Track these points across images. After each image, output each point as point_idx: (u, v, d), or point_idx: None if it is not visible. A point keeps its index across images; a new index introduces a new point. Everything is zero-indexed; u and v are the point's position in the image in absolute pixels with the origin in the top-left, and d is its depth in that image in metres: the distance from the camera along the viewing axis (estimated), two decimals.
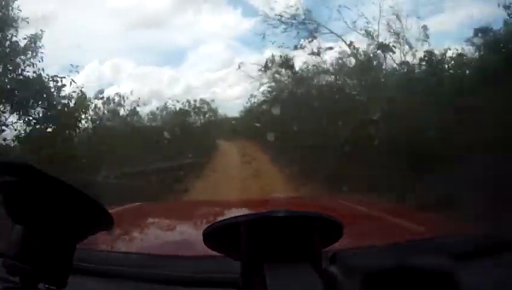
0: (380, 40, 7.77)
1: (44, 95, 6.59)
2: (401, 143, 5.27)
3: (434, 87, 6.22)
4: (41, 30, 6.86)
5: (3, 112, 6.33)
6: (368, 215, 1.48)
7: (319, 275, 0.52)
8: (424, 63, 7.10)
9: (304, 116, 8.14)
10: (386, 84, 7.40)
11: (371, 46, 7.88)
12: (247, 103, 12.11)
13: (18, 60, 6.53)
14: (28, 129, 6.52)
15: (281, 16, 8.87)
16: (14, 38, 6.58)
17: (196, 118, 12.02)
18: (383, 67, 7.72)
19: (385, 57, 7.63)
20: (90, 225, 0.57)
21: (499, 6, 6.20)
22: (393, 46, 7.58)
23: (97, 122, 8.34)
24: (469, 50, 7.02)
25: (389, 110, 6.25)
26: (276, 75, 9.64)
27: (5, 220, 0.54)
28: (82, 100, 7.23)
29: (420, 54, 7.31)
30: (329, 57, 8.88)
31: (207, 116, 12.39)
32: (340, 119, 6.83)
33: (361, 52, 8.11)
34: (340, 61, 8.69)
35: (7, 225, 0.54)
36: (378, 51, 7.68)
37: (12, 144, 6.40)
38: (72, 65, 7.14)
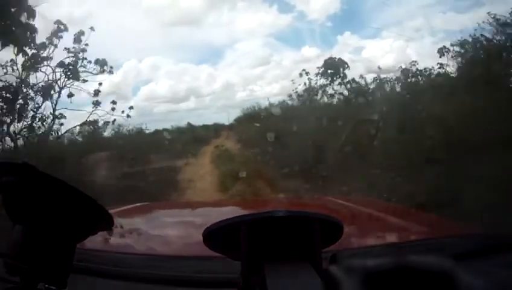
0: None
1: None
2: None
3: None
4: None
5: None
6: (368, 215, 1.48)
7: (319, 275, 0.52)
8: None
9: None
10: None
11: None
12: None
13: None
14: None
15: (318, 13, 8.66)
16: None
17: None
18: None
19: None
20: (90, 225, 0.57)
21: None
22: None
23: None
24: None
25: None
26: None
27: (5, 220, 0.54)
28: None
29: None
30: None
31: None
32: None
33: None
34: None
35: (7, 225, 0.54)
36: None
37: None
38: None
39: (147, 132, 9.30)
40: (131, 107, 7.35)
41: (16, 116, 5.79)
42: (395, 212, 1.62)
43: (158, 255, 1.03)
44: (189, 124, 11.43)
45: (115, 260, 0.92)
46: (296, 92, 8.63)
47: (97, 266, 0.86)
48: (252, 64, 13.75)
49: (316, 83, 8.34)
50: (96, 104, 6.83)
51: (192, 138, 10.56)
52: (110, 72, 6.94)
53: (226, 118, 12.84)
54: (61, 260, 0.53)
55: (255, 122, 8.74)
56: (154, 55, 11.63)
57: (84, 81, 6.64)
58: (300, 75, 8.47)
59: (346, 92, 8.00)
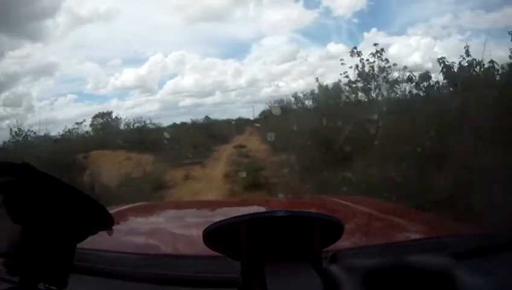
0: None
1: None
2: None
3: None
4: None
5: None
6: (368, 215, 1.48)
7: (319, 275, 0.52)
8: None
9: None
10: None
11: None
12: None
13: None
14: None
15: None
16: None
17: None
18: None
19: None
20: (90, 225, 0.57)
21: None
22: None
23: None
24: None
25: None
26: None
27: (5, 220, 0.54)
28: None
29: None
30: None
31: None
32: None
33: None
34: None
35: (7, 225, 0.54)
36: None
37: None
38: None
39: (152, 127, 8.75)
40: None
41: None
42: (395, 212, 1.62)
43: (158, 254, 1.03)
44: (207, 118, 10.71)
45: (115, 260, 0.92)
46: (347, 76, 6.63)
47: (97, 266, 0.86)
48: (277, 60, 13.61)
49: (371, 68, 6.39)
50: None
51: (208, 135, 8.99)
52: None
53: (251, 112, 12.37)
54: (62, 259, 0.54)
55: (284, 118, 6.63)
56: (181, 49, 11.69)
57: None
58: (351, 54, 6.55)
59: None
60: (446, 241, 1.00)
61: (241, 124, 11.59)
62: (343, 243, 0.67)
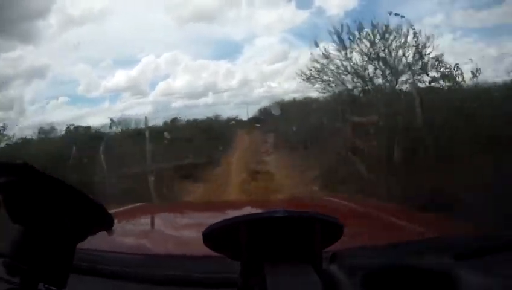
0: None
1: None
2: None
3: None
4: None
5: None
6: (368, 215, 1.48)
7: (319, 275, 0.52)
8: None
9: None
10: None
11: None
12: None
13: None
14: None
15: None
16: None
17: None
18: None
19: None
20: (90, 225, 0.57)
21: None
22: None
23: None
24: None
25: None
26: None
27: (5, 220, 0.54)
28: None
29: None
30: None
31: None
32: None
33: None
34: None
35: (7, 225, 0.54)
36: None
37: None
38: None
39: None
40: None
41: None
42: (395, 212, 1.62)
43: (158, 255, 1.03)
44: (175, 121, 9.56)
45: (114, 260, 0.92)
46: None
47: (97, 266, 0.86)
48: (269, 60, 13.51)
49: None
50: None
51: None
52: None
53: (245, 113, 11.91)
54: (61, 260, 0.54)
55: None
56: (173, 50, 11.61)
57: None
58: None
59: None
60: (446, 241, 1.00)
61: (234, 127, 10.10)
62: (343, 243, 0.67)
